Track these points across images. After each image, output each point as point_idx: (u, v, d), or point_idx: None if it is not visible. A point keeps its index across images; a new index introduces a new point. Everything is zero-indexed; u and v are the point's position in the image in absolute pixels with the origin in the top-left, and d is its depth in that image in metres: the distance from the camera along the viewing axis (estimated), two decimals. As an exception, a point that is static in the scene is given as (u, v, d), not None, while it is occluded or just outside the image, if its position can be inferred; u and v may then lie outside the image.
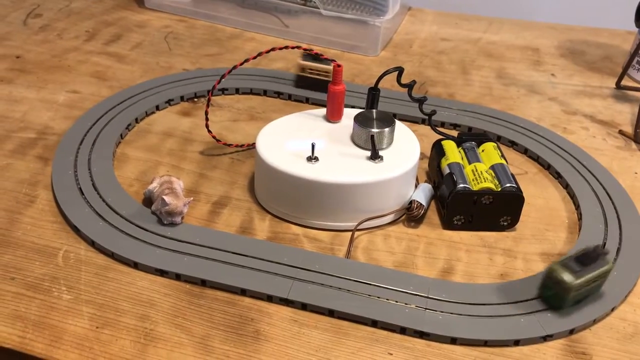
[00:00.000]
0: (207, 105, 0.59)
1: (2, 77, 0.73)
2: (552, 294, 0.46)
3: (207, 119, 0.60)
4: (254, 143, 0.55)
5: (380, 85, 0.58)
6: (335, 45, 0.85)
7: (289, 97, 0.72)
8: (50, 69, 0.75)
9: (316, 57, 0.67)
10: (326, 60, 0.67)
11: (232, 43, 0.85)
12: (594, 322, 0.47)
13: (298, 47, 0.56)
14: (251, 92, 0.73)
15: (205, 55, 0.80)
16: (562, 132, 0.69)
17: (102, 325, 0.44)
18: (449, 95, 0.75)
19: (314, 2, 0.84)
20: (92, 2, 0.93)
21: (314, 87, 0.71)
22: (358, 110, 0.57)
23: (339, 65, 0.55)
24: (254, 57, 0.57)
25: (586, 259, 0.46)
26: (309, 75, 0.70)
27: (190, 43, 0.83)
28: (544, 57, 0.86)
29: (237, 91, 0.73)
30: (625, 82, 0.79)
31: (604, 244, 0.52)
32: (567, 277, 0.45)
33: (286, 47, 0.55)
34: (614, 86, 0.79)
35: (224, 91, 0.72)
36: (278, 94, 0.72)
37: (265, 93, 0.72)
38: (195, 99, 0.71)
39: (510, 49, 0.87)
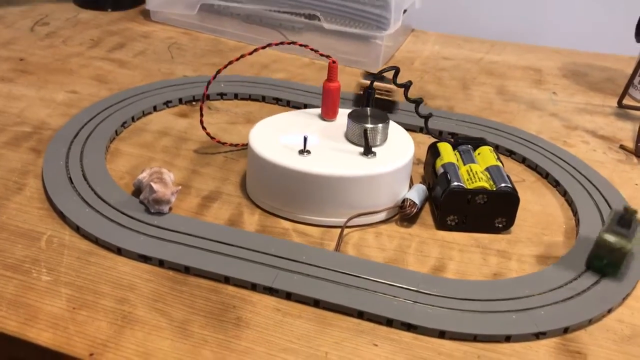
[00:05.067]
0: (203, 101, 0.59)
1: (3, 76, 0.73)
2: (606, 263, 0.47)
3: (201, 115, 0.59)
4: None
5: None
6: (337, 61, 0.85)
7: (288, 103, 0.72)
8: (52, 71, 0.76)
9: (378, 77, 0.66)
10: (388, 79, 0.66)
11: (234, 55, 0.84)
12: (590, 322, 0.45)
13: (294, 43, 0.56)
14: (250, 98, 0.73)
15: (206, 64, 0.81)
16: (562, 144, 0.68)
17: (79, 306, 0.43)
18: (448, 108, 0.74)
19: (318, 16, 0.85)
20: (99, 14, 0.95)
21: (377, 104, 0.67)
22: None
23: (334, 62, 0.55)
24: (250, 53, 0.57)
25: (624, 221, 0.47)
26: (372, 95, 0.66)
27: (193, 53, 0.84)
28: (546, 77, 0.85)
29: (235, 96, 0.73)
30: (627, 101, 0.79)
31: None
32: (623, 242, 0.46)
33: (282, 43, 0.55)
34: (616, 105, 0.78)
35: (222, 96, 0.72)
36: (277, 100, 0.72)
37: (263, 99, 0.72)
38: (194, 102, 0.71)
39: (512, 69, 0.87)
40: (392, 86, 0.66)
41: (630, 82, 0.78)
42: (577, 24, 1.15)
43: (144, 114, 0.67)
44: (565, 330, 0.44)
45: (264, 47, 0.56)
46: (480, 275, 0.49)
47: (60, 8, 0.96)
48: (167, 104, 0.69)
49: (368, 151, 0.52)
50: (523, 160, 0.64)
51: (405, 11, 0.87)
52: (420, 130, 0.68)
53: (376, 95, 0.66)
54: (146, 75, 0.76)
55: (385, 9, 0.84)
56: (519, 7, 1.15)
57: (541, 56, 0.92)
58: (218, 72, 0.57)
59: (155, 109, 0.68)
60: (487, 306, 0.45)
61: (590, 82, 0.85)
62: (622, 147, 0.69)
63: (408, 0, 0.89)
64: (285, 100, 0.72)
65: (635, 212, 0.47)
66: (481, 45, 0.94)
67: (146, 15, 0.95)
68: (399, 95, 0.68)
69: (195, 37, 0.89)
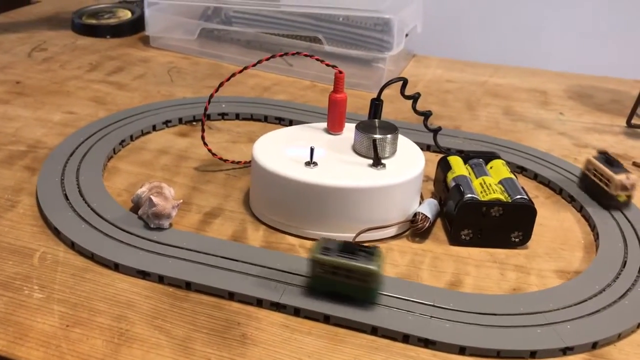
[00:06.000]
0: (204, 115, 0.57)
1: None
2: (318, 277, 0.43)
3: (203, 130, 0.57)
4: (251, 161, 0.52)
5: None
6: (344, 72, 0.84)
7: (290, 123, 0.70)
8: (48, 93, 0.74)
9: (612, 162, 0.56)
10: (621, 169, 0.55)
11: (234, 78, 0.83)
12: (619, 337, 0.42)
13: (298, 53, 0.54)
14: (252, 117, 0.71)
15: (207, 87, 0.79)
16: (573, 161, 0.66)
17: (73, 324, 0.40)
18: (454, 127, 0.72)
19: (320, 39, 0.84)
20: (98, 41, 0.94)
21: (590, 190, 0.58)
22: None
23: (340, 72, 0.53)
24: (254, 65, 0.55)
25: (352, 248, 0.42)
26: (590, 176, 0.57)
27: (193, 77, 0.83)
28: (551, 98, 0.84)
29: (237, 116, 0.71)
30: (636, 121, 0.77)
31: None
32: (314, 249, 0.42)
33: (286, 54, 0.54)
34: (625, 125, 0.77)
35: (223, 116, 0.71)
36: (279, 120, 0.70)
37: (266, 119, 0.71)
38: (194, 123, 0.69)
39: (517, 91, 0.86)
40: (617, 177, 0.54)
41: (638, 102, 0.76)
42: (576, 49, 1.15)
43: (143, 133, 0.65)
44: (594, 346, 0.41)
45: (267, 59, 0.55)
46: (499, 290, 0.46)
47: (59, 35, 0.95)
48: (167, 123, 0.67)
49: (377, 162, 0.50)
50: (535, 177, 0.62)
51: (407, 35, 0.87)
52: (428, 148, 0.66)
53: (595, 179, 0.56)
54: (145, 97, 0.75)
55: (388, 33, 0.83)
56: (518, 33, 1.15)
57: (545, 79, 0.91)
58: (221, 84, 0.55)
59: (154, 128, 0.66)
60: (510, 321, 0.42)
61: (596, 104, 0.84)
62: (635, 164, 0.67)
63: (410, 24, 0.89)
64: (287, 120, 0.70)
65: (370, 253, 0.42)
66: (484, 69, 0.93)
67: (145, 42, 0.94)
68: (616, 189, 0.55)
69: (195, 62, 0.88)
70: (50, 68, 0.82)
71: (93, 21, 0.97)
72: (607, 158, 0.57)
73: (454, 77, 0.90)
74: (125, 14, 0.99)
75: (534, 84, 0.89)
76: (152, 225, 0.48)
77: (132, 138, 0.64)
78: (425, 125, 0.57)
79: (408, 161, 0.52)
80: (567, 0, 1.17)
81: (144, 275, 0.45)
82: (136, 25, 0.97)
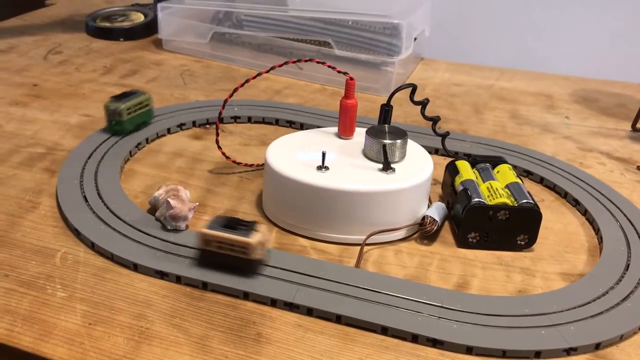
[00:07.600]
0: (219, 118, 0.58)
1: (18, 101, 0.74)
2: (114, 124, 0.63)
3: (217, 134, 0.59)
4: (264, 164, 0.54)
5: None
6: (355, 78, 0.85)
7: (301, 126, 0.71)
8: (65, 96, 0.76)
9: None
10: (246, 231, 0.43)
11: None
12: (621, 338, 0.43)
13: (310, 60, 0.56)
14: (263, 121, 0.73)
15: (219, 90, 0.81)
16: (578, 166, 0.67)
17: (95, 322, 0.42)
18: (462, 131, 0.74)
19: (330, 43, 0.85)
20: (112, 44, 0.95)
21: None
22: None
23: (351, 79, 0.55)
24: (267, 71, 0.57)
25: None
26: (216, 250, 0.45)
27: (205, 80, 0.84)
28: (557, 102, 0.85)
29: (249, 120, 0.72)
30: (641, 125, 0.78)
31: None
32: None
33: (299, 60, 0.55)
34: (630, 129, 0.78)
35: (236, 119, 0.72)
36: (290, 123, 0.72)
37: (277, 122, 0.72)
38: (208, 125, 0.71)
39: (523, 95, 0.87)
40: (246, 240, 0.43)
41: (643, 106, 0.78)
42: (582, 52, 1.16)
43: (158, 136, 0.67)
44: (597, 347, 0.42)
45: (280, 65, 0.56)
46: (505, 291, 0.48)
47: (73, 38, 0.97)
48: (181, 126, 0.69)
49: (387, 167, 0.52)
50: (541, 181, 0.63)
51: (415, 39, 0.88)
52: (436, 151, 0.67)
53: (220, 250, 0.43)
54: (159, 100, 0.76)
55: (396, 37, 0.85)
56: (524, 37, 1.17)
57: (551, 83, 0.93)
58: (235, 90, 0.57)
59: (169, 131, 0.68)
60: (515, 322, 0.43)
61: (601, 107, 0.85)
62: (639, 168, 0.68)
63: (418, 28, 0.90)
64: (298, 123, 0.71)
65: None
66: (491, 73, 0.95)
67: (158, 44, 0.95)
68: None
69: (207, 65, 0.90)
70: (65, 71, 0.83)
71: (107, 24, 0.99)
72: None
73: (461, 80, 0.91)
74: (138, 17, 1.01)
75: (539, 88, 0.90)
76: (169, 227, 0.50)
77: (147, 141, 0.66)
78: (434, 130, 0.59)
79: (417, 166, 0.53)
80: (573, 4, 1.18)
81: (161, 275, 0.46)
82: (149, 28, 0.99)
